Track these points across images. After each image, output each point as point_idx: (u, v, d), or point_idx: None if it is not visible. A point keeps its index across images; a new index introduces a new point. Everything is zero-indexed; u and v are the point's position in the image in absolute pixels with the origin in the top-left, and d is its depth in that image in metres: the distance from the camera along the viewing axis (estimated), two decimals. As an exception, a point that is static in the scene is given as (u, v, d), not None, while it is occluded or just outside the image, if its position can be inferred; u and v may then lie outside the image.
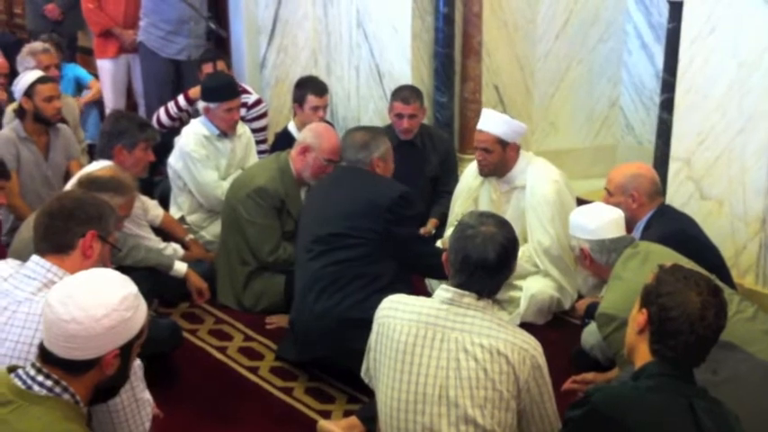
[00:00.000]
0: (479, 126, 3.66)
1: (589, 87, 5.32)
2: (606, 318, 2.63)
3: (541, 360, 2.12)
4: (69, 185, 3.27)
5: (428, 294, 2.47)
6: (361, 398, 2.98)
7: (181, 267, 3.57)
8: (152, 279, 3.37)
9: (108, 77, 5.59)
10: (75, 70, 5.67)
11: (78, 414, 1.75)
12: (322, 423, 2.78)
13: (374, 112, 5.10)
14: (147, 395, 2.12)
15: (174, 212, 4.14)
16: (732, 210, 3.48)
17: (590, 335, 3.11)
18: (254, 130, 4.53)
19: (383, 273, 3.00)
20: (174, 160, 4.12)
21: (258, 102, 4.83)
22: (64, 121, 4.40)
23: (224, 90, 4.08)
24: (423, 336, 2.12)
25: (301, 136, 3.79)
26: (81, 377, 1.76)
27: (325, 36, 5.37)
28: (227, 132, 4.13)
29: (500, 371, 2.06)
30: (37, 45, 4.92)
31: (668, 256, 2.61)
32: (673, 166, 3.69)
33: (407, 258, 3.08)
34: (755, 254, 3.44)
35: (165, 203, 4.17)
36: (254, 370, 3.26)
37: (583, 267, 2.89)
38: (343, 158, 3.35)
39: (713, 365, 2.07)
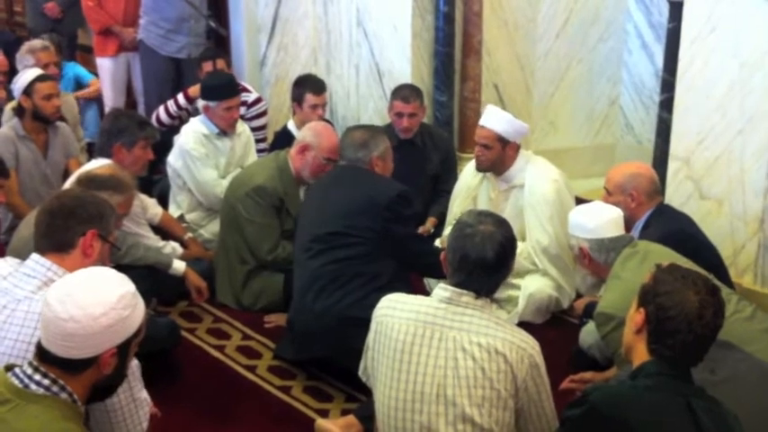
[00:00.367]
0: (481, 122, 3.67)
1: (589, 87, 5.32)
2: (605, 317, 2.63)
3: (539, 359, 2.12)
4: (68, 184, 3.27)
5: (426, 293, 2.47)
6: (359, 397, 2.98)
7: (179, 266, 3.57)
8: (150, 278, 3.37)
9: (108, 76, 5.59)
10: (75, 69, 5.66)
11: (76, 413, 1.75)
12: (320, 422, 2.78)
13: (374, 110, 5.10)
14: (145, 394, 2.12)
15: (173, 211, 4.14)
16: (731, 209, 3.48)
17: (588, 334, 3.11)
18: (253, 129, 4.53)
19: (382, 271, 3.00)
20: (173, 159, 4.12)
21: (258, 100, 4.83)
22: (63, 119, 4.39)
23: (223, 89, 4.08)
24: (421, 335, 2.12)
25: (300, 135, 3.79)
26: (78, 376, 1.76)
27: (325, 34, 5.37)
28: (226, 131, 4.13)
29: (498, 370, 2.06)
30: (36, 43, 4.91)
31: (667, 256, 2.61)
32: (672, 166, 3.69)
33: (405, 257, 3.08)
34: (754, 253, 3.45)
35: (164, 202, 4.17)
36: (252, 369, 3.26)
37: (581, 266, 2.89)
38: (342, 157, 3.35)
39: (711, 365, 2.07)
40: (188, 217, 4.14)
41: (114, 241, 2.32)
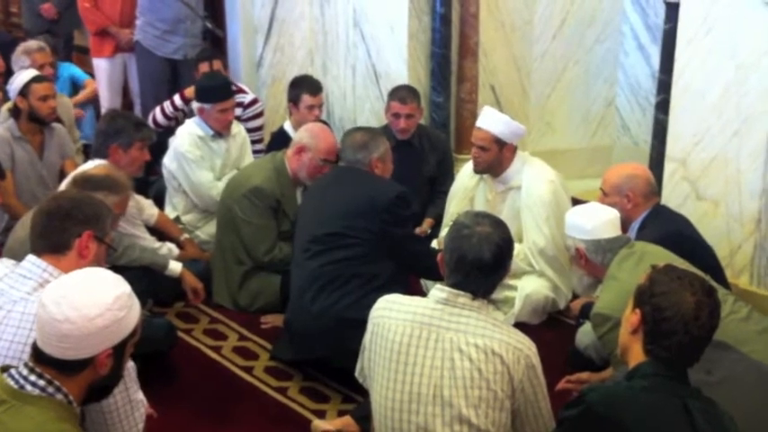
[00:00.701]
0: (478, 123, 3.67)
1: (585, 88, 5.33)
2: (601, 318, 2.63)
3: (536, 360, 2.12)
4: (64, 185, 3.26)
5: (423, 294, 2.47)
6: (355, 397, 2.98)
7: (176, 267, 3.57)
8: (146, 278, 3.37)
9: (104, 76, 5.58)
10: (71, 70, 5.65)
11: (72, 414, 1.75)
12: (316, 423, 2.79)
13: (370, 111, 5.10)
14: (141, 396, 2.12)
15: (169, 212, 4.13)
16: (727, 210, 3.49)
17: (584, 335, 3.11)
18: (249, 130, 4.53)
19: (380, 272, 3.01)
20: (168, 161, 4.12)
21: (254, 101, 4.83)
22: (59, 120, 4.39)
23: (218, 91, 4.07)
24: (417, 336, 2.12)
25: (297, 136, 3.79)
26: (74, 377, 1.75)
27: (321, 36, 5.37)
28: (221, 133, 4.13)
29: (494, 371, 2.06)
30: (31, 44, 4.91)
31: (663, 257, 2.62)
32: (668, 167, 3.69)
33: (403, 258, 3.08)
34: (750, 254, 3.45)
35: (160, 203, 4.16)
36: (248, 370, 3.25)
37: (578, 267, 2.90)
38: (342, 159, 3.35)
39: (707, 366, 2.07)
40: (184, 219, 4.14)
41: (110, 242, 2.31)
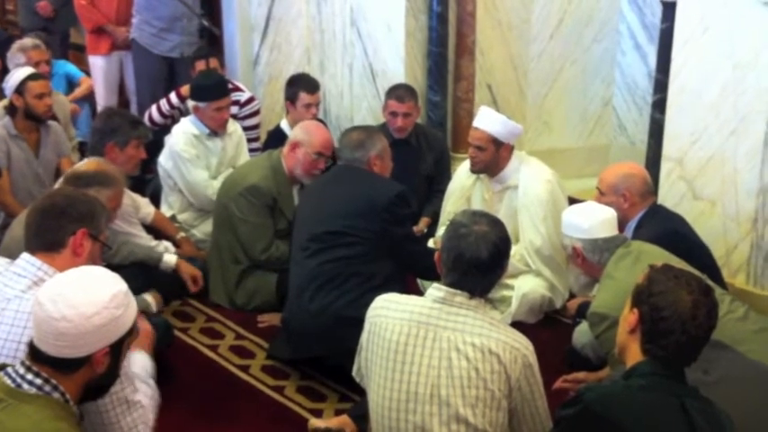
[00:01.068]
0: (475, 123, 3.66)
1: (582, 87, 5.33)
2: (598, 317, 2.63)
3: (533, 359, 2.12)
4: (59, 183, 3.25)
5: (421, 294, 2.47)
6: (352, 396, 2.98)
7: (170, 259, 3.56)
8: (143, 276, 3.36)
9: (100, 74, 5.57)
10: (66, 67, 5.64)
11: (69, 413, 1.75)
12: (313, 421, 2.78)
13: (367, 110, 5.09)
14: (140, 397, 2.08)
15: (165, 211, 4.13)
16: (724, 210, 3.49)
17: (581, 334, 3.11)
18: (246, 128, 4.52)
19: (379, 272, 3.00)
20: (164, 159, 4.11)
21: (251, 99, 4.82)
22: (55, 118, 4.38)
23: (213, 89, 4.07)
24: (415, 335, 2.12)
25: (292, 133, 3.79)
26: (71, 375, 1.75)
27: (318, 34, 5.36)
28: (217, 131, 4.12)
29: (491, 370, 2.06)
30: (27, 41, 4.89)
31: (660, 256, 2.62)
32: (665, 166, 3.70)
33: (401, 257, 3.08)
34: (747, 254, 3.45)
35: (156, 201, 4.16)
36: (245, 368, 3.25)
37: (575, 266, 2.89)
38: (340, 158, 3.34)
39: (704, 365, 2.07)
40: (180, 217, 4.13)
41: (105, 240, 2.31)
